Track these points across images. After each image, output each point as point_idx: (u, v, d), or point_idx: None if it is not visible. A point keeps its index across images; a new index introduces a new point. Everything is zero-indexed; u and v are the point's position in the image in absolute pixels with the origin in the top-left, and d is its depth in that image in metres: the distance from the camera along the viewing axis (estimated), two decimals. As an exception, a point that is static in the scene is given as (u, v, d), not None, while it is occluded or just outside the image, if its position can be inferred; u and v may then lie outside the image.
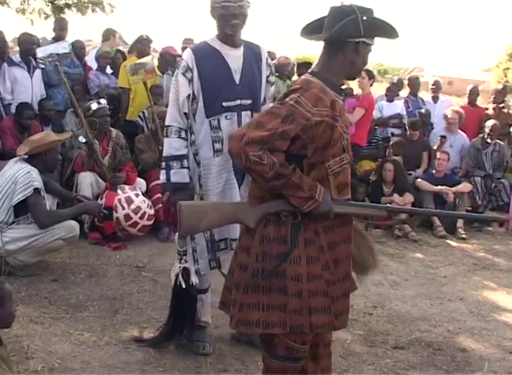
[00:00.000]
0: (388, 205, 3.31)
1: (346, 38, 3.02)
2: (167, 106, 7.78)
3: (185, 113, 4.02)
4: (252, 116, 4.00)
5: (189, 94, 3.99)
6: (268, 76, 4.22)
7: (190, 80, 3.98)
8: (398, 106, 10.00)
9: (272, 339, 3.10)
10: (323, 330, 3.11)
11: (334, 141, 2.99)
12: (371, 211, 3.30)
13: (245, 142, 2.89)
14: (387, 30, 3.07)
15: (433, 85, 10.60)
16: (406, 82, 11.20)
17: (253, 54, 4.11)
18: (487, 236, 8.62)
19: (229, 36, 3.98)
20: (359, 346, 4.13)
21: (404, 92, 11.02)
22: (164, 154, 4.12)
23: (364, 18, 2.98)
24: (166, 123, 4.09)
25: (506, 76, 33.60)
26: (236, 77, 4.01)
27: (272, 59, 10.13)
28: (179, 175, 4.04)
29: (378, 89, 13.94)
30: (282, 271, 3.00)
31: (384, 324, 5.00)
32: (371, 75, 9.46)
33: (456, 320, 5.26)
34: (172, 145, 4.05)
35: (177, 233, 3.59)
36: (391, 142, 9.23)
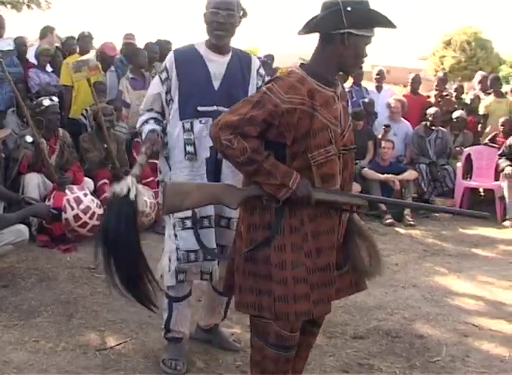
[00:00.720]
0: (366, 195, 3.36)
1: (330, 30, 3.02)
2: (109, 103, 7.84)
3: (152, 109, 4.00)
4: None
5: (159, 93, 3.95)
6: (260, 87, 3.95)
7: (164, 80, 3.93)
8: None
9: (263, 325, 3.16)
10: (304, 317, 3.13)
11: (315, 131, 3.00)
12: (352, 199, 3.28)
13: (219, 127, 3.02)
14: (379, 20, 3.07)
15: (377, 74, 10.70)
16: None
17: (241, 62, 3.96)
18: (434, 222, 8.82)
19: (213, 43, 3.88)
20: (319, 338, 4.10)
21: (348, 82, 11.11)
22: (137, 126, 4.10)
23: (349, 9, 2.97)
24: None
25: (442, 63, 34.16)
26: (216, 83, 3.87)
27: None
28: (150, 126, 3.93)
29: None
30: (266, 257, 3.08)
31: (341, 315, 5.02)
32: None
33: (412, 307, 5.33)
34: (140, 119, 4.05)
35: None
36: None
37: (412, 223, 8.39)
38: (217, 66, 3.88)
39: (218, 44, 3.85)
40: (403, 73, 11.38)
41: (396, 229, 8.25)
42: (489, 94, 10.61)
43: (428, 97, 10.69)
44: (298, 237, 3.08)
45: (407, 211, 8.50)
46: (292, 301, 3.06)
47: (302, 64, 3.14)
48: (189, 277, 3.95)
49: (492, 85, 10.64)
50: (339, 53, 3.07)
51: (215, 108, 3.81)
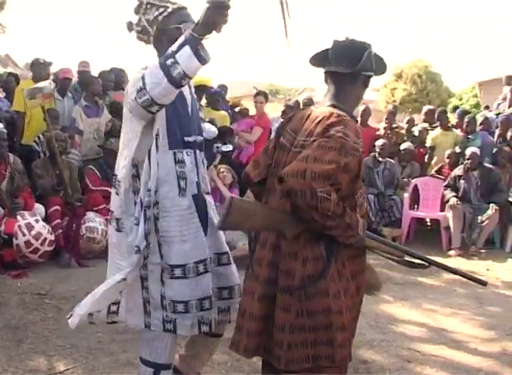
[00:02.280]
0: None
1: (362, 72, 3.12)
2: (62, 130, 7.86)
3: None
4: (201, 156, 3.63)
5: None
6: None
7: None
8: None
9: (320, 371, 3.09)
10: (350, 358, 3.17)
11: (360, 173, 3.04)
12: (393, 250, 3.29)
13: (311, 177, 2.76)
14: (384, 66, 3.25)
15: (304, 104, 10.93)
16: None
17: (189, 85, 3.60)
18: (382, 251, 8.93)
19: None
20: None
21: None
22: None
23: (373, 53, 3.13)
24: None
25: (393, 95, 34.77)
26: (189, 110, 3.54)
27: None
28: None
29: (271, 110, 14.19)
30: (326, 307, 2.97)
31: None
32: (266, 97, 9.72)
33: (357, 334, 5.41)
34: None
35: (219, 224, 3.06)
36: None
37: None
38: (186, 89, 3.55)
39: None
40: (363, 104, 11.60)
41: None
42: (436, 127, 10.91)
43: (378, 129, 10.96)
44: (344, 281, 3.04)
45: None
46: (348, 345, 3.08)
47: (333, 104, 3.12)
48: (179, 329, 3.47)
49: (439, 118, 10.94)
50: (359, 94, 3.20)
51: (194, 138, 3.55)
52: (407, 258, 3.36)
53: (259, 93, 10.62)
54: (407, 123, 11.54)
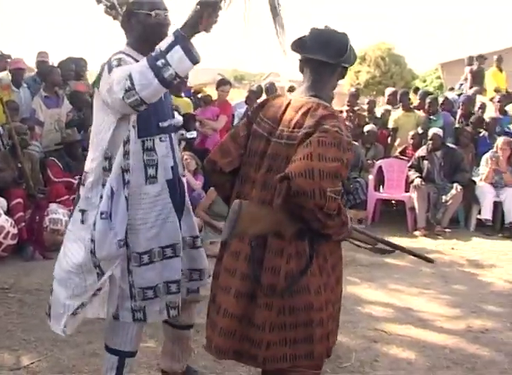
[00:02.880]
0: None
1: (343, 63, 3.11)
2: (22, 122, 7.76)
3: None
4: (175, 138, 3.60)
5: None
6: None
7: None
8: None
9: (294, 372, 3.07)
10: (330, 353, 3.20)
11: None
12: (367, 239, 3.31)
13: (319, 177, 2.73)
14: (355, 57, 3.21)
15: (288, 91, 10.91)
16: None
17: None
18: (348, 233, 8.99)
19: (150, 48, 3.15)
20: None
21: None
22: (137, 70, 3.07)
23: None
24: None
25: (357, 78, 34.94)
26: (162, 95, 3.31)
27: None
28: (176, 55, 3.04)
29: (236, 95, 14.17)
30: (308, 304, 2.96)
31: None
32: (230, 85, 9.72)
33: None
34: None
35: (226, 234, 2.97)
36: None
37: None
38: None
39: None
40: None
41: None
42: (398, 108, 10.97)
43: (341, 111, 10.97)
44: (326, 276, 3.03)
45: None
46: (326, 340, 3.06)
47: (315, 95, 3.07)
48: (149, 316, 3.45)
49: (401, 100, 11.01)
50: (335, 84, 3.16)
51: (169, 122, 3.50)
52: (379, 245, 3.38)
53: (224, 82, 10.57)
54: (367, 104, 11.57)
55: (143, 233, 3.37)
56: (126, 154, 3.28)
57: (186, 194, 3.63)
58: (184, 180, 3.67)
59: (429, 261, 3.71)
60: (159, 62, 3.00)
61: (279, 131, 3.03)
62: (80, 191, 3.46)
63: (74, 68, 9.27)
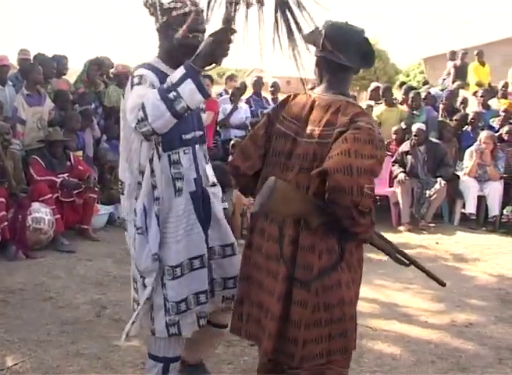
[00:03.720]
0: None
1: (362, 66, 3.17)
2: (5, 120, 7.70)
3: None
4: (203, 150, 3.63)
5: None
6: None
7: None
8: (243, 109, 10.26)
9: (326, 371, 3.11)
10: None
11: None
12: (387, 246, 3.31)
13: (357, 174, 2.76)
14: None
15: (271, 87, 10.95)
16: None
17: None
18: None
19: (178, 62, 3.23)
20: (218, 347, 4.23)
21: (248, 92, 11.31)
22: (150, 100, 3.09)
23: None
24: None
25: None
26: None
27: (111, 68, 10.13)
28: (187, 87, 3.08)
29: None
30: (341, 299, 3.01)
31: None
32: (212, 80, 9.70)
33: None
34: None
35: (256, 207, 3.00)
36: (231, 143, 9.37)
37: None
38: None
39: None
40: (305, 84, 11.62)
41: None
42: (381, 103, 10.99)
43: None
44: (353, 271, 3.08)
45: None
46: (355, 334, 3.16)
47: (341, 93, 3.12)
48: (184, 329, 3.49)
49: (384, 95, 11.02)
50: (350, 82, 3.22)
51: (193, 134, 3.51)
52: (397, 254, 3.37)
53: (203, 77, 10.54)
54: None
55: (173, 247, 3.42)
56: (152, 171, 3.35)
57: (214, 204, 3.63)
58: (214, 189, 3.69)
59: (441, 284, 3.73)
60: (171, 95, 3.04)
61: (308, 131, 3.05)
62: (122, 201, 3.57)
63: (56, 66, 9.19)
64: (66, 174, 7.72)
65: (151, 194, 3.36)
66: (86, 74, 9.50)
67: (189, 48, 3.29)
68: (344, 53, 3.04)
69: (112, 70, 10.04)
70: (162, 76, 3.26)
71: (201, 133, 3.61)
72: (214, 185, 3.71)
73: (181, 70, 3.08)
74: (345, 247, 3.00)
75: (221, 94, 11.23)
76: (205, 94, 3.10)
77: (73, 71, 10.31)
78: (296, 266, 3.00)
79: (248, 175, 3.27)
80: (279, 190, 2.86)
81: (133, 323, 3.49)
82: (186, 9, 3.30)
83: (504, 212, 9.61)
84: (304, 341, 3.00)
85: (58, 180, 7.53)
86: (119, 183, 3.56)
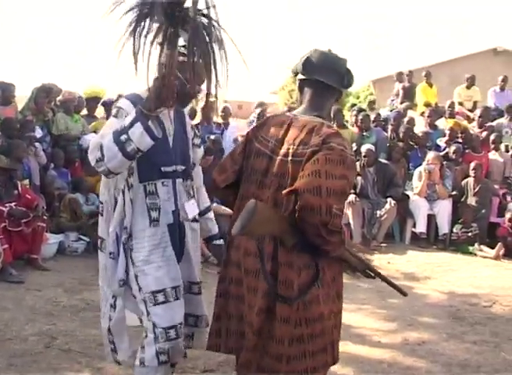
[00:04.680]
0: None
1: (344, 88, 3.24)
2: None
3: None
4: (185, 184, 3.65)
5: None
6: (193, 139, 3.79)
7: None
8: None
9: None
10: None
11: None
12: (358, 262, 3.33)
13: (327, 194, 2.84)
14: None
15: (222, 112, 10.95)
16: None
17: (178, 115, 3.62)
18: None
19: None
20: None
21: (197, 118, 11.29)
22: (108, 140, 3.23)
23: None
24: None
25: (291, 97, 35.20)
26: (170, 140, 3.53)
27: (58, 95, 10.04)
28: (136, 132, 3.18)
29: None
30: (320, 314, 3.05)
31: (192, 350, 5.05)
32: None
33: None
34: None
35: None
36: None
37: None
38: (167, 121, 3.52)
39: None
40: (258, 108, 11.69)
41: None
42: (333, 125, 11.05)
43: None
44: (326, 287, 3.10)
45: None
46: (331, 348, 3.16)
47: (318, 115, 3.17)
48: (173, 358, 3.52)
49: (335, 117, 11.07)
50: (331, 107, 3.35)
51: (174, 168, 3.56)
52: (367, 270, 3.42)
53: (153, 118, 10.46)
54: None
55: (153, 273, 3.46)
56: (124, 202, 3.48)
57: (189, 239, 3.67)
58: (193, 224, 3.73)
59: (404, 294, 3.77)
60: (122, 137, 3.19)
61: (283, 149, 3.11)
62: (101, 221, 3.70)
63: (2, 93, 9.08)
64: (14, 203, 7.57)
65: (121, 223, 3.49)
66: (34, 102, 9.40)
67: (185, 96, 3.47)
68: (327, 75, 3.18)
69: (58, 98, 9.94)
70: None
71: (183, 167, 3.63)
72: (195, 221, 3.74)
73: (132, 114, 3.20)
74: (319, 264, 3.05)
75: None
76: (154, 137, 3.20)
77: (20, 98, 10.18)
78: (278, 282, 3.03)
79: (220, 187, 3.35)
80: (259, 213, 2.89)
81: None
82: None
83: (454, 230, 9.71)
84: (287, 357, 3.03)
85: (5, 209, 7.38)
86: (100, 203, 3.70)
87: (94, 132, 9.76)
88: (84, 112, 10.53)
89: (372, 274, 3.42)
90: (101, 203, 3.67)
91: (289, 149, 3.09)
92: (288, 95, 35.34)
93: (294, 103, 32.95)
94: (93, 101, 10.52)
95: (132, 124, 3.17)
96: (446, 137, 11.21)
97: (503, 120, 12.45)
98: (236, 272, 3.23)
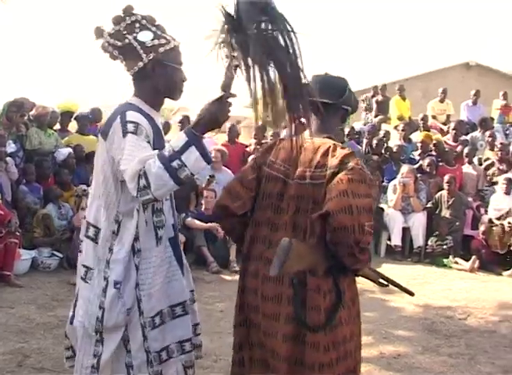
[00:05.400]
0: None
1: (343, 105, 3.25)
2: None
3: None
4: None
5: None
6: None
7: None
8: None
9: None
10: None
11: None
12: (372, 274, 3.37)
13: (357, 213, 2.85)
14: (357, 103, 3.41)
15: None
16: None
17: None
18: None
19: (161, 101, 3.32)
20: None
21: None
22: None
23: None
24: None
25: (265, 111, 35.26)
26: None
27: (30, 109, 9.98)
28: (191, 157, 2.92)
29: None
30: (344, 336, 3.06)
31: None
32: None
33: (228, 345, 5.40)
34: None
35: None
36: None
37: (237, 269, 8.35)
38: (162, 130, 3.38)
39: (175, 100, 3.39)
40: (230, 122, 11.71)
41: (222, 276, 8.38)
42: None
43: (248, 145, 11.06)
44: (347, 309, 3.10)
45: (232, 257, 8.65)
46: (359, 369, 3.20)
47: (329, 136, 3.20)
48: None
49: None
50: (339, 126, 3.28)
51: None
52: (380, 280, 3.47)
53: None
54: (271, 136, 11.23)
55: (154, 296, 3.26)
56: (137, 224, 3.19)
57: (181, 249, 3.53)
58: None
59: (411, 294, 3.80)
60: (175, 164, 2.88)
61: (299, 173, 3.10)
62: (83, 243, 3.30)
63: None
64: (-15, 219, 7.49)
65: (133, 247, 3.18)
66: (5, 116, 9.31)
67: (178, 83, 3.26)
68: (324, 93, 3.19)
69: (32, 112, 9.86)
70: (149, 119, 3.16)
71: None
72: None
73: (183, 137, 2.93)
74: (340, 286, 3.05)
75: None
76: (209, 160, 2.99)
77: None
78: (308, 309, 3.01)
79: (237, 214, 3.25)
80: (295, 250, 2.87)
81: None
82: (172, 45, 3.23)
83: (428, 242, 9.74)
84: (320, 364, 3.02)
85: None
86: (90, 227, 3.27)
87: (68, 146, 9.74)
88: (57, 126, 10.46)
89: (386, 283, 3.48)
90: (94, 227, 3.26)
91: (305, 172, 3.09)
92: (262, 109, 35.49)
93: (268, 117, 33.01)
94: (66, 116, 10.47)
95: (185, 148, 2.90)
96: (419, 150, 11.28)
97: (477, 134, 12.58)
98: (252, 299, 3.19)
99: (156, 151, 2.95)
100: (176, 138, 2.98)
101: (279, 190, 3.15)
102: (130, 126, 3.05)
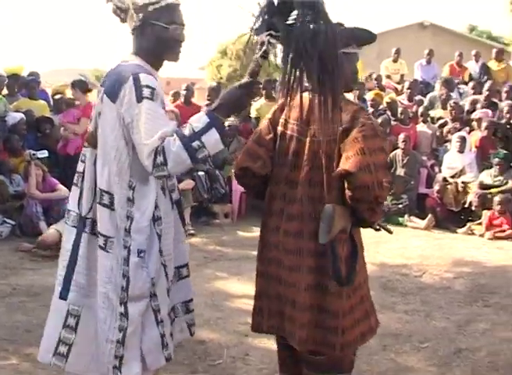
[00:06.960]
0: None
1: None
2: None
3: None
4: None
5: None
6: None
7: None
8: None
9: (344, 357, 3.23)
10: None
11: None
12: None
13: (375, 170, 2.95)
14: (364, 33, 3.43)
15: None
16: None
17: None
18: (214, 228, 9.08)
19: (160, 63, 3.24)
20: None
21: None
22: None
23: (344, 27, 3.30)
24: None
25: (219, 72, 35.01)
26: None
27: None
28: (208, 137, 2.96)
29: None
30: (361, 281, 3.22)
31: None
32: (83, 87, 9.51)
33: (195, 315, 5.35)
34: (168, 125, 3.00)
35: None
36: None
37: (192, 232, 8.40)
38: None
39: (175, 62, 3.31)
40: (183, 84, 11.59)
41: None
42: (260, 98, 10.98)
43: (203, 106, 10.89)
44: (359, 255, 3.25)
45: (187, 220, 8.58)
46: (374, 312, 3.39)
47: None
48: (174, 337, 3.38)
49: (264, 87, 10.94)
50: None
51: None
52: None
53: (72, 85, 10.07)
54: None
55: (170, 261, 3.27)
56: (156, 192, 3.16)
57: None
58: None
59: (389, 232, 3.75)
60: (195, 144, 2.93)
61: (312, 130, 3.16)
62: (97, 211, 3.14)
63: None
64: None
65: (153, 215, 3.13)
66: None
67: (169, 42, 3.15)
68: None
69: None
70: (155, 82, 3.07)
71: None
72: None
73: (203, 118, 2.98)
74: (352, 234, 3.19)
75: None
76: (226, 142, 3.01)
77: None
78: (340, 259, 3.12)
79: (260, 175, 3.31)
80: (337, 215, 3.03)
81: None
82: (163, 3, 3.10)
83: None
84: (342, 329, 3.13)
85: None
86: (104, 193, 3.11)
87: (17, 111, 9.47)
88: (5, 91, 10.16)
89: (378, 227, 3.52)
90: (107, 194, 3.10)
91: (318, 129, 3.13)
92: (216, 70, 35.21)
93: (222, 78, 32.81)
94: (13, 79, 10.17)
95: (206, 130, 2.95)
96: (370, 108, 11.26)
97: (436, 93, 12.64)
98: (274, 253, 3.26)
99: (175, 127, 3.00)
100: (195, 118, 3.00)
101: (294, 148, 3.20)
102: (146, 91, 2.98)
